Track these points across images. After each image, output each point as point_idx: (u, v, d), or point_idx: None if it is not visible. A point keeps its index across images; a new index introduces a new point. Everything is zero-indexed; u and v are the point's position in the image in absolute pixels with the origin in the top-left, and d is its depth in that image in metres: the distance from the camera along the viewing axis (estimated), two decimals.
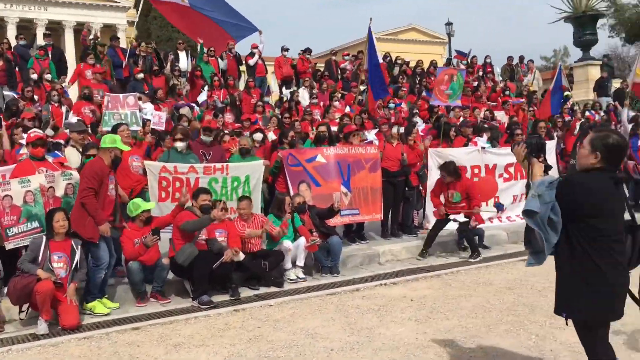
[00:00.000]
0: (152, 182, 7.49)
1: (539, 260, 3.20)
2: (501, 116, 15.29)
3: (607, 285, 3.06)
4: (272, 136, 9.44)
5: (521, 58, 20.12)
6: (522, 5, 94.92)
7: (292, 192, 8.31)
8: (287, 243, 7.37)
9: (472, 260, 8.13)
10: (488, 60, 20.03)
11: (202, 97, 12.61)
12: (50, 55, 14.15)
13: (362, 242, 8.90)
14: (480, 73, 19.13)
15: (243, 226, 7.28)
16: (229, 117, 12.40)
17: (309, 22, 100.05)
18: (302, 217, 7.76)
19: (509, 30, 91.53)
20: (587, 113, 17.11)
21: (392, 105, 14.63)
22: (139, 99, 11.49)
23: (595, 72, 21.58)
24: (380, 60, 9.68)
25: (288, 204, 7.60)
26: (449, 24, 30.36)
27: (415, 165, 9.44)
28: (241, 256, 6.76)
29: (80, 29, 16.92)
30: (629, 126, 11.84)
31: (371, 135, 10.20)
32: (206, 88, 13.06)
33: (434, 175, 9.41)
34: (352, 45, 34.36)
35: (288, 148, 8.78)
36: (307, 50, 16.59)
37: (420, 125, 12.00)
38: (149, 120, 10.12)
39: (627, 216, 3.21)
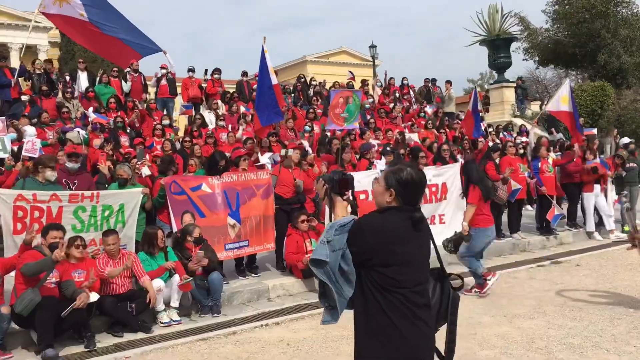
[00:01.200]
0: (5, 213, 6.60)
1: (333, 317, 2.60)
2: (415, 137, 15.12)
3: (404, 343, 2.49)
4: (146, 171, 8.64)
5: (434, 81, 20.19)
6: (452, 33, 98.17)
7: (174, 223, 7.61)
8: (158, 282, 6.61)
9: None
10: (405, 82, 20.02)
11: (91, 117, 11.69)
12: None
13: (254, 275, 8.22)
14: (397, 95, 19.07)
15: (106, 264, 6.47)
16: (124, 139, 11.57)
17: (242, 48, 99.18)
18: (177, 253, 7.04)
19: (438, 54, 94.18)
20: (501, 134, 17.28)
21: (307, 128, 14.18)
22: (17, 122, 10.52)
23: (509, 94, 21.96)
24: (274, 82, 8.98)
25: (161, 238, 6.87)
26: (372, 46, 30.40)
27: (311, 191, 8.89)
28: (93, 297, 5.93)
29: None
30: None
31: (264, 159, 9.59)
32: (91, 109, 12.14)
33: None
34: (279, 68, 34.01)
35: (172, 175, 8.08)
36: (217, 71, 15.86)
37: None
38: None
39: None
